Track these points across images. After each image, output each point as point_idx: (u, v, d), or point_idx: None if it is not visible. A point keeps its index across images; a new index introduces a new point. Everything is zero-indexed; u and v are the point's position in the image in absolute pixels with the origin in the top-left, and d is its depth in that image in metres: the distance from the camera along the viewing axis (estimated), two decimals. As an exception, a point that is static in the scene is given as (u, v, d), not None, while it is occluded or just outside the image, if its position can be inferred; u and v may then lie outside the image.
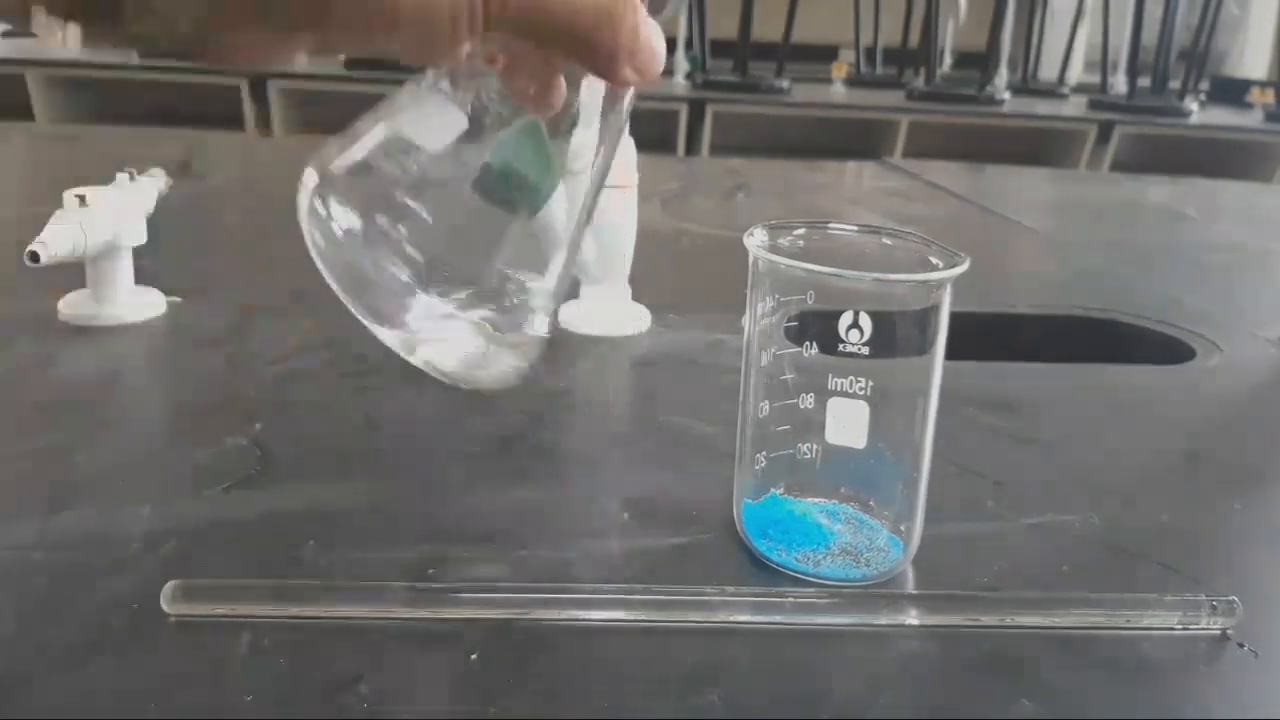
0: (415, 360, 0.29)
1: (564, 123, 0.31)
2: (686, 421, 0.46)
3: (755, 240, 0.33)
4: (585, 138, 0.31)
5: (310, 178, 0.28)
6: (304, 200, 0.28)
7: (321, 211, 0.28)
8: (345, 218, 0.28)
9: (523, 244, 0.31)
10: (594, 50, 0.25)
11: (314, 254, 0.28)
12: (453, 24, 0.22)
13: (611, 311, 0.57)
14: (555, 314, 0.31)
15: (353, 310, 0.29)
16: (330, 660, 0.28)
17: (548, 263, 0.32)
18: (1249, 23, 3.11)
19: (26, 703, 0.26)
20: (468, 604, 0.30)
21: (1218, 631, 0.31)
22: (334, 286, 0.28)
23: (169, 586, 0.29)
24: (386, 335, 0.29)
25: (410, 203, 0.29)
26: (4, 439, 0.41)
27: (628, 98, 0.29)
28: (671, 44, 2.57)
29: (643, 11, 0.26)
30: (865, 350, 0.31)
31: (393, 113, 0.30)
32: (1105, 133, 2.45)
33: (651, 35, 0.26)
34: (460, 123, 0.30)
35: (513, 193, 0.30)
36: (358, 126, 0.29)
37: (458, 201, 0.30)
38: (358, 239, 0.29)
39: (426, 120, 0.30)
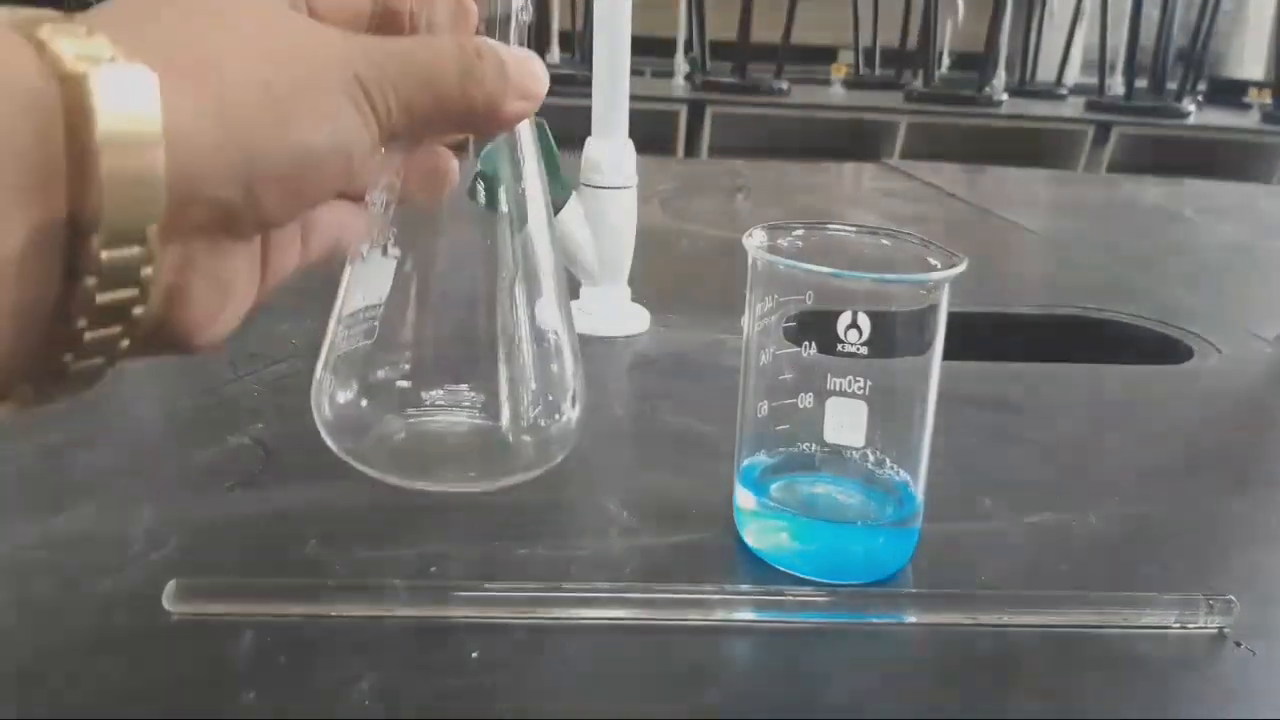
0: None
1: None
2: (686, 421, 0.46)
3: (754, 241, 0.33)
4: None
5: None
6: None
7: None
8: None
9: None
10: (473, 112, 0.25)
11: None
12: (361, 160, 0.24)
13: (611, 311, 0.58)
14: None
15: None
16: (331, 659, 0.28)
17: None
18: (1246, 24, 3.11)
19: (28, 701, 0.26)
20: (468, 603, 0.30)
21: (1215, 630, 0.31)
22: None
23: (170, 585, 0.29)
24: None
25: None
26: (6, 438, 0.41)
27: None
28: (671, 45, 2.57)
29: (491, 45, 0.26)
30: (864, 350, 0.31)
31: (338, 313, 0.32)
32: (1103, 133, 2.46)
33: (514, 60, 0.26)
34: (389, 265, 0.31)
35: (501, 197, 0.31)
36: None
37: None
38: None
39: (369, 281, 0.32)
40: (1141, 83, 2.57)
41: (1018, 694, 0.28)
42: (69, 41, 0.18)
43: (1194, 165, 1.99)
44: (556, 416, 0.33)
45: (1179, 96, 2.56)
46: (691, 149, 2.36)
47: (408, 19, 0.28)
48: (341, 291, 0.32)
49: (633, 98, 0.56)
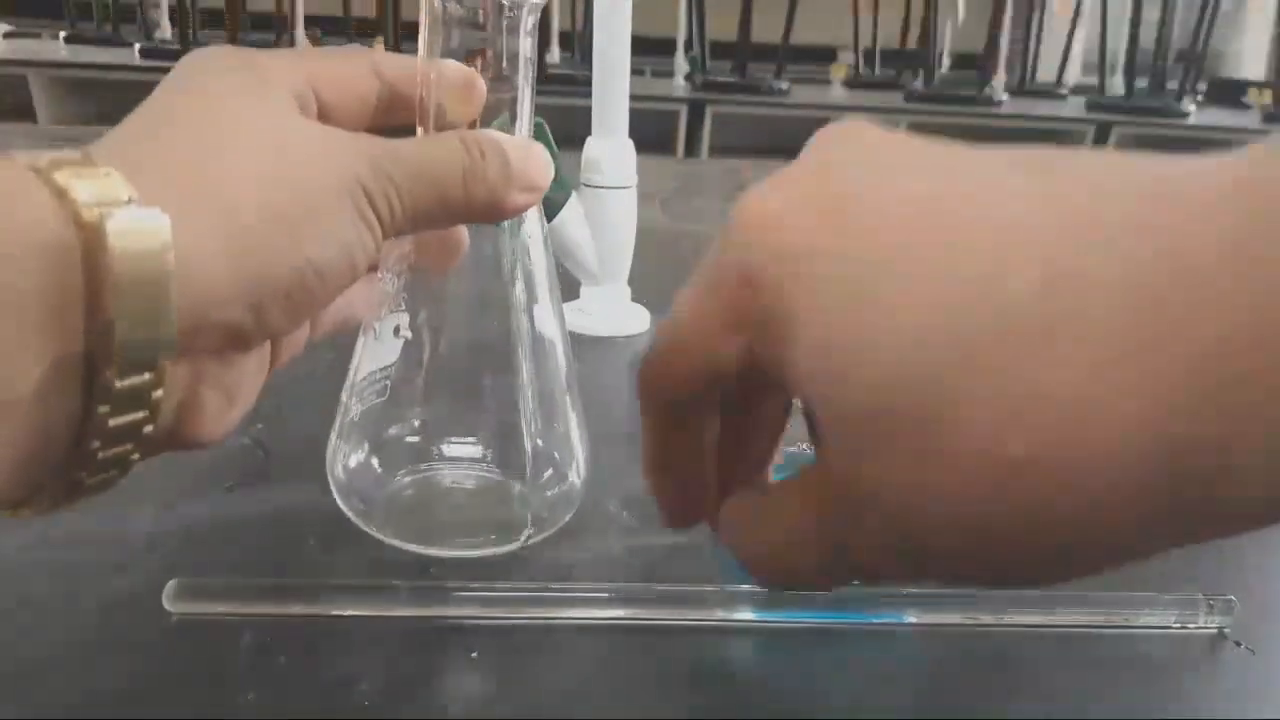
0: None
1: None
2: (686, 421, 0.46)
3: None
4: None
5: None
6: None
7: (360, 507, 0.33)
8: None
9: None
10: (476, 208, 0.26)
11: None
12: (366, 262, 0.24)
13: (611, 311, 0.58)
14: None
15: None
16: (330, 659, 0.28)
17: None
18: (1246, 24, 3.11)
19: (28, 701, 0.26)
20: (468, 603, 0.30)
21: (1215, 630, 0.32)
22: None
23: (170, 585, 0.30)
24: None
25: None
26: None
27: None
28: (671, 45, 2.57)
29: (494, 139, 0.26)
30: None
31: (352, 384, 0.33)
32: (1103, 133, 2.46)
33: (517, 153, 0.27)
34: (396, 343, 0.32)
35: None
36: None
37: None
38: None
39: (377, 353, 0.33)
40: (1142, 83, 2.57)
41: (1018, 694, 0.28)
42: (85, 185, 0.19)
43: (1194, 165, 1.99)
44: (562, 484, 0.34)
45: (1179, 96, 2.56)
46: (691, 149, 2.36)
47: (416, 102, 0.28)
48: (354, 364, 0.33)
49: (633, 98, 0.56)
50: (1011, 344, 0.15)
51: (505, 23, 0.29)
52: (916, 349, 0.16)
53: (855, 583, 0.20)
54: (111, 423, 0.20)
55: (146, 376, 0.20)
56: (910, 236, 0.17)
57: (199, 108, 0.23)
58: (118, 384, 0.19)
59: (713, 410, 0.24)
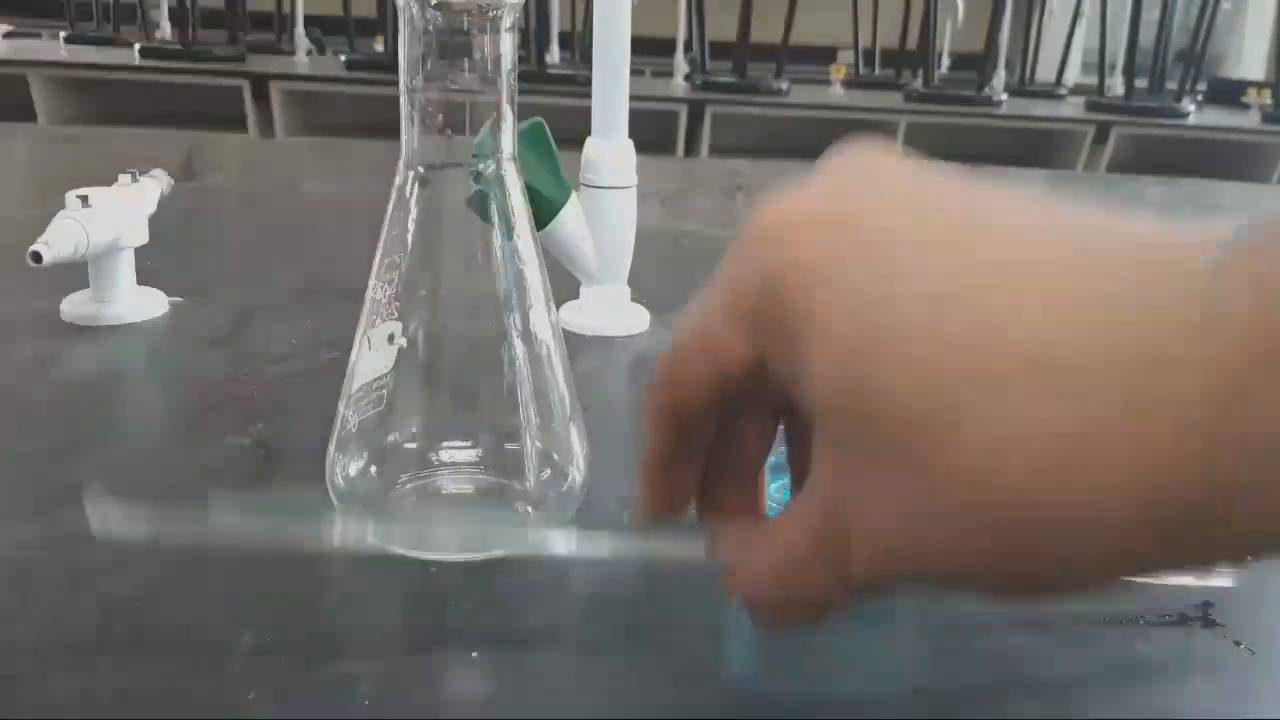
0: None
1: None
2: (686, 421, 0.46)
3: (754, 241, 0.33)
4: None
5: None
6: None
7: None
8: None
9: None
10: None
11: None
12: None
13: (611, 311, 0.58)
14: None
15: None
16: (331, 659, 0.28)
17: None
18: (1246, 24, 3.11)
19: (26, 702, 0.26)
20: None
21: (1215, 629, 0.32)
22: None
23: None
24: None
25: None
26: (6, 438, 0.41)
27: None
28: (671, 45, 2.57)
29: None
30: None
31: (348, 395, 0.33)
32: (1102, 134, 2.46)
33: None
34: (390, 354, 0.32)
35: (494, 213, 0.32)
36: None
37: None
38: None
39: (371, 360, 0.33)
40: (1141, 83, 2.57)
41: (1018, 694, 0.28)
42: None
43: (1193, 165, 1.99)
44: (562, 484, 0.34)
45: (1178, 96, 2.56)
46: (691, 149, 2.37)
47: None
48: (349, 375, 0.33)
49: (633, 98, 0.56)
50: (1015, 387, 0.16)
51: (485, 25, 0.28)
52: (931, 373, 0.17)
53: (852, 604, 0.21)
54: None
55: None
56: (923, 263, 0.18)
57: None
58: None
59: (711, 424, 0.24)
